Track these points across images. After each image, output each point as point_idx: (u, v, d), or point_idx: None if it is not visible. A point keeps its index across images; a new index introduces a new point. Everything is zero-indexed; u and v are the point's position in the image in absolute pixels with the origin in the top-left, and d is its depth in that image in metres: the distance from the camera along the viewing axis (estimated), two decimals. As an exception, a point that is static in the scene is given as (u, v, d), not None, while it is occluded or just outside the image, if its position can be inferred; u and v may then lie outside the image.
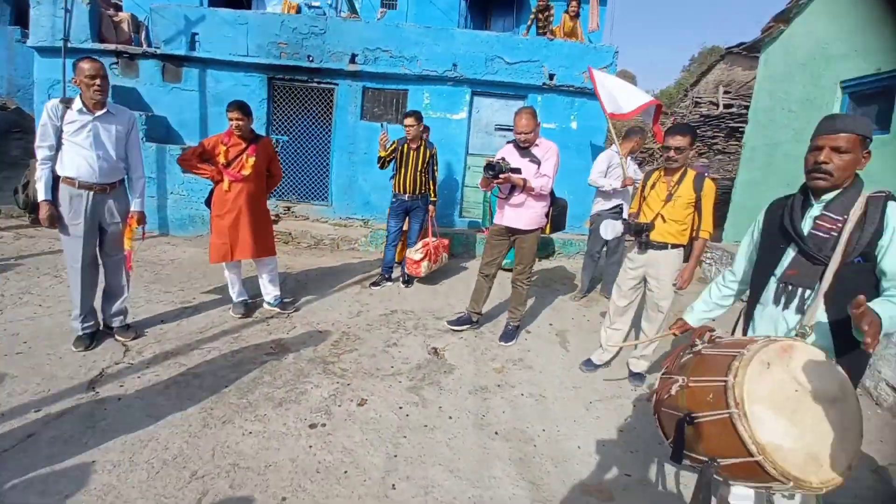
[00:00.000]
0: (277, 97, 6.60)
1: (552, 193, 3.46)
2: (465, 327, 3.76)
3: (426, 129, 5.60)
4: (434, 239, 4.75)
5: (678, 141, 2.60)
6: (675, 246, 2.77)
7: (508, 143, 3.51)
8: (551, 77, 6.40)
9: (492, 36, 6.51)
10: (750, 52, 6.06)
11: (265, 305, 3.84)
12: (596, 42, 7.55)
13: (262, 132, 6.24)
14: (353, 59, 6.32)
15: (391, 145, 4.39)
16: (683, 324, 1.96)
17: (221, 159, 3.39)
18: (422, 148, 4.40)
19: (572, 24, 7.15)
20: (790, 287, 1.60)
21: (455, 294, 4.69)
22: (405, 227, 4.74)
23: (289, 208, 6.77)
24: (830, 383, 1.33)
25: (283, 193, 6.78)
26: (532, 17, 7.12)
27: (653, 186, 2.82)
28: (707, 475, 1.37)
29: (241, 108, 3.36)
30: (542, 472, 2.24)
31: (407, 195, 4.47)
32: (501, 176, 3.18)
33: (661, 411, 1.60)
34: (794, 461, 1.22)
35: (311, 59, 6.28)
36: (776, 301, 1.65)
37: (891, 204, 1.46)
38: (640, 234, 2.79)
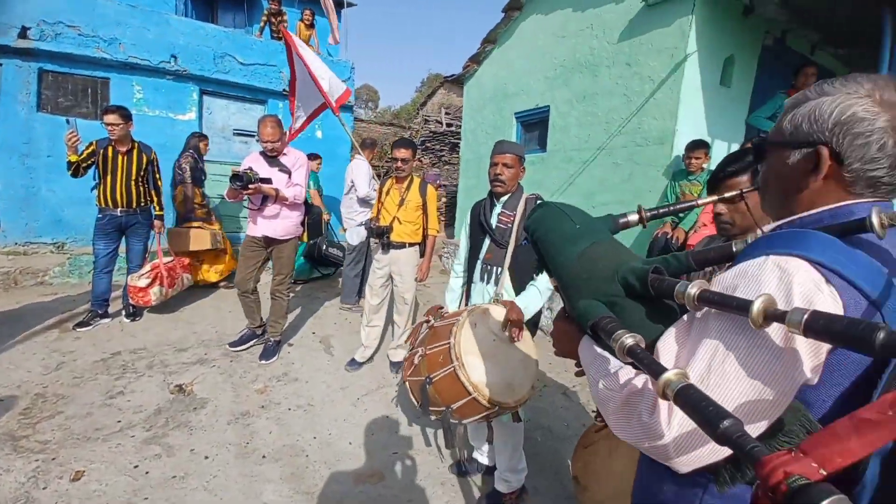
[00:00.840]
0: None
1: (306, 202, 3.50)
2: (250, 343, 3.55)
3: (202, 137, 4.77)
4: (169, 259, 4.06)
5: (402, 153, 3.03)
6: (411, 244, 3.21)
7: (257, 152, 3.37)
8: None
9: (219, 30, 5.96)
10: (458, 83, 7.47)
11: None
12: (334, 57, 7.83)
13: None
14: (23, 34, 4.72)
15: (87, 147, 3.51)
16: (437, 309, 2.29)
17: None
18: (135, 152, 3.68)
19: (308, 33, 7.24)
20: (489, 267, 2.12)
21: (203, 319, 4.13)
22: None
23: None
24: (513, 332, 1.84)
25: None
26: (264, 18, 6.83)
27: (388, 193, 3.19)
28: (446, 420, 1.70)
29: None
30: (316, 479, 2.25)
31: (119, 209, 3.67)
32: (251, 186, 3.04)
33: (409, 380, 1.88)
34: (497, 391, 1.66)
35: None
36: (481, 279, 2.16)
37: (539, 203, 2.12)
38: (381, 236, 3.12)
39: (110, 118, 3.47)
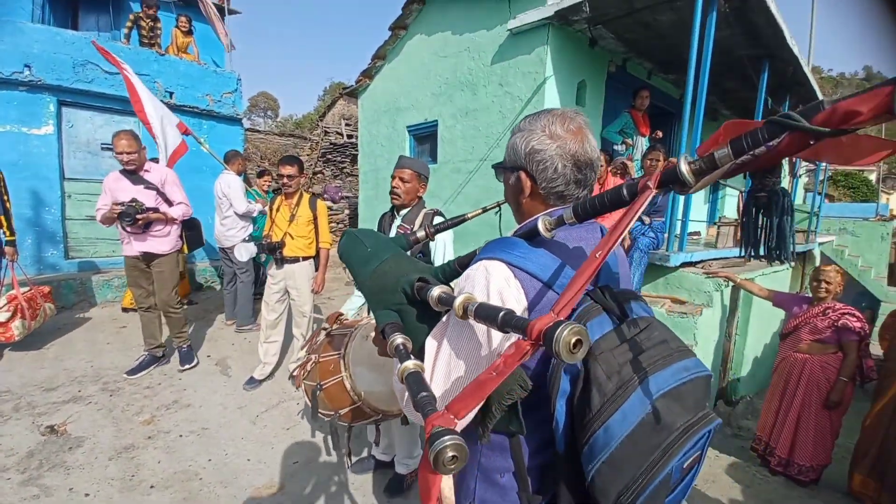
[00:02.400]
0: None
1: None
2: (151, 368, 3.54)
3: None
4: (26, 288, 3.65)
5: (288, 170, 3.12)
6: (305, 258, 3.29)
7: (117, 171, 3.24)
8: (170, 95, 5.95)
9: (79, 36, 5.42)
10: (354, 95, 7.55)
11: None
12: (219, 67, 7.47)
13: None
14: None
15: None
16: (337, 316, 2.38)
17: None
18: None
19: (186, 40, 6.82)
20: None
21: (74, 355, 3.76)
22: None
23: None
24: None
25: None
26: (129, 23, 6.26)
27: (278, 209, 3.25)
28: (334, 424, 1.85)
29: None
30: (211, 499, 2.26)
31: (-37, 238, 3.26)
32: (140, 218, 3.07)
33: (304, 384, 1.99)
34: (382, 399, 1.84)
35: None
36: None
37: (436, 217, 2.31)
38: (273, 251, 3.16)
39: None
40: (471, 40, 4.99)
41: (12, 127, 4.95)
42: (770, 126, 0.55)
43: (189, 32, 6.84)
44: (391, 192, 2.33)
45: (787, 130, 0.54)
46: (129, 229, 3.14)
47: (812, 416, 3.21)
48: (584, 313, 0.75)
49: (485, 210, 1.27)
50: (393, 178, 2.32)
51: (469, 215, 1.21)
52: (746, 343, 5.02)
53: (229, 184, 4.33)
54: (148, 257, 3.30)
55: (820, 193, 7.94)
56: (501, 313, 0.61)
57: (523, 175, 0.87)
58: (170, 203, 3.33)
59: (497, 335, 0.74)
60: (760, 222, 0.75)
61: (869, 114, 0.48)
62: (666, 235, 3.80)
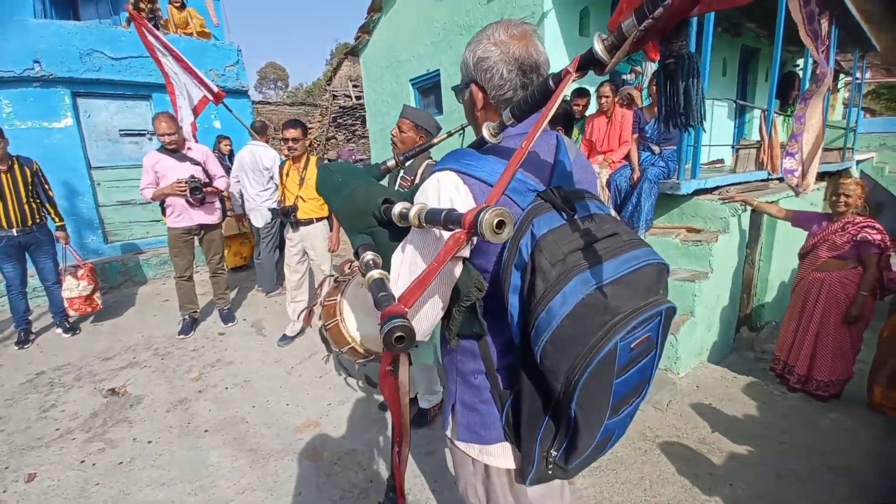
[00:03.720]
0: None
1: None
2: (194, 329, 3.94)
3: (222, 138, 5.26)
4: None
5: (291, 133, 3.19)
6: (319, 219, 3.42)
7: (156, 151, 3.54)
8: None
9: (82, 27, 5.51)
10: (356, 54, 7.42)
11: None
12: (218, 41, 7.44)
13: None
14: None
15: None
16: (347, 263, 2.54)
17: None
18: (16, 167, 3.51)
19: (181, 15, 6.78)
20: None
21: (124, 327, 4.13)
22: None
23: None
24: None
25: None
26: (129, 5, 6.26)
27: (287, 174, 3.36)
28: (339, 359, 2.02)
29: None
30: (258, 438, 2.53)
31: (15, 229, 3.53)
32: (205, 191, 3.47)
33: (315, 324, 2.16)
34: (373, 342, 1.97)
35: None
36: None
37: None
38: (287, 215, 3.31)
39: None
40: (465, -21, 4.78)
41: (33, 123, 5.19)
42: (664, -16, 0.57)
43: (182, 6, 6.79)
44: (392, 141, 2.38)
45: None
46: (192, 201, 3.49)
47: (831, 331, 3.19)
48: (532, 211, 0.77)
49: (450, 134, 1.32)
50: (396, 127, 2.35)
51: (435, 141, 1.27)
52: (771, 269, 4.93)
53: (273, 158, 4.32)
54: (204, 227, 3.74)
55: (856, 107, 7.39)
56: (444, 213, 0.66)
57: (474, 87, 0.89)
58: (210, 177, 3.68)
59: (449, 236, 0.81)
60: (670, 91, 0.76)
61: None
62: (678, 165, 3.71)
